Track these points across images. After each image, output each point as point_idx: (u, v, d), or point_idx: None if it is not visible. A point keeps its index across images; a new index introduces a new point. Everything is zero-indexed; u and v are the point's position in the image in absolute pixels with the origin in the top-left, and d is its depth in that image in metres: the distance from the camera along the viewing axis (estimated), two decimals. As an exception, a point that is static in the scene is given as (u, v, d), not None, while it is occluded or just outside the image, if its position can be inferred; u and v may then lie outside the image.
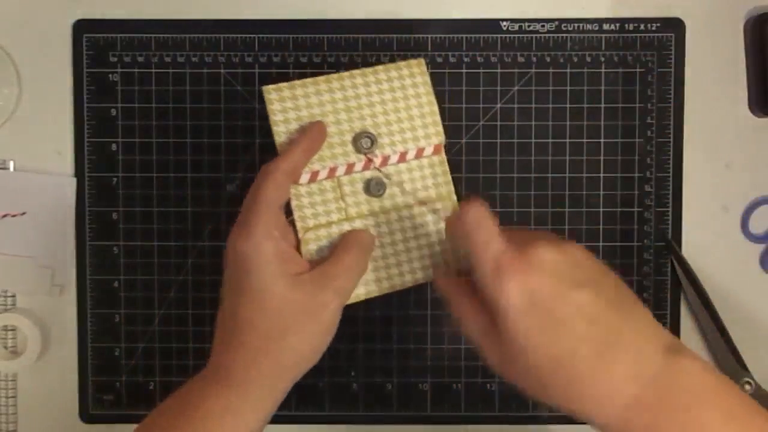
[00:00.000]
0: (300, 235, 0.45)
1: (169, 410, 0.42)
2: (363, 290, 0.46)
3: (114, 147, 0.55)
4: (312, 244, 0.45)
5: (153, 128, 0.55)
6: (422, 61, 0.47)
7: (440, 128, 0.47)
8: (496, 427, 0.55)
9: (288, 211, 0.45)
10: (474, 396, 0.55)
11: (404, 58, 0.54)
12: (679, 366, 0.36)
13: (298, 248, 0.45)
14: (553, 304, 0.36)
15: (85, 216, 0.55)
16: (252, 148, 0.55)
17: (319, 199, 0.46)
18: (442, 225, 0.47)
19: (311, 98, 0.45)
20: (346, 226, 0.46)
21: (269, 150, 0.54)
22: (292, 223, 0.45)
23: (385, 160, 0.46)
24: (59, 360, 0.55)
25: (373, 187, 0.46)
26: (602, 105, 0.55)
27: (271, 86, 0.45)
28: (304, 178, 0.45)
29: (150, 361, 0.55)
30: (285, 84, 0.45)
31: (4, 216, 0.55)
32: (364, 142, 0.45)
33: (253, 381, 0.41)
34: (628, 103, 0.55)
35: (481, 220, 0.39)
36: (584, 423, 0.37)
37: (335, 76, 0.45)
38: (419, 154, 0.47)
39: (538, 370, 0.37)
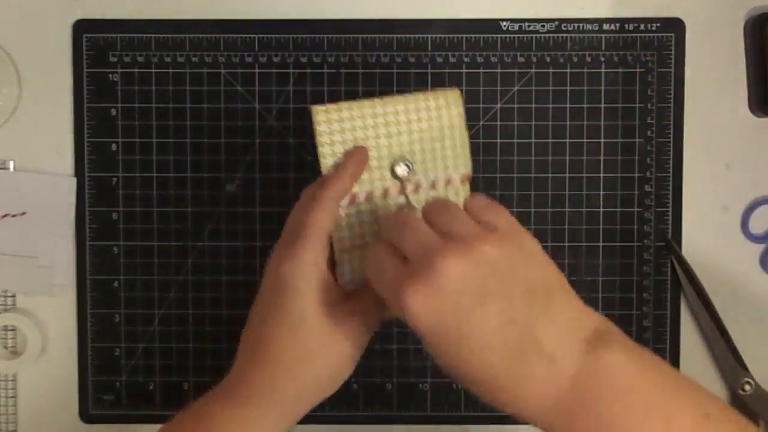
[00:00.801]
0: (337, 255, 0.45)
1: (185, 424, 0.43)
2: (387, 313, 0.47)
3: (114, 147, 0.55)
4: (346, 265, 0.45)
5: (153, 128, 0.55)
6: (458, 93, 0.47)
7: (468, 159, 0.47)
8: (495, 427, 0.55)
9: None
10: (474, 396, 0.55)
11: (404, 58, 0.54)
12: (599, 362, 0.35)
13: (332, 268, 0.45)
14: (458, 323, 0.35)
15: (85, 216, 0.55)
16: (252, 148, 0.55)
17: (356, 221, 0.46)
18: None
19: (356, 121, 0.45)
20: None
21: (269, 150, 0.55)
22: (330, 246, 0.46)
23: (417, 187, 0.46)
24: (59, 360, 0.55)
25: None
26: (602, 105, 0.55)
27: (320, 107, 0.45)
28: (345, 201, 0.45)
29: (150, 361, 0.55)
30: (333, 106, 0.45)
31: (4, 216, 0.55)
32: (400, 168, 0.46)
33: (276, 401, 0.41)
34: (628, 103, 0.55)
35: (379, 252, 0.39)
36: None
37: (380, 100, 0.46)
38: (448, 182, 0.47)
39: (464, 379, 0.37)
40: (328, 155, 0.45)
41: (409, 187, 0.46)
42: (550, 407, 0.35)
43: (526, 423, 0.36)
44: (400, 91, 0.48)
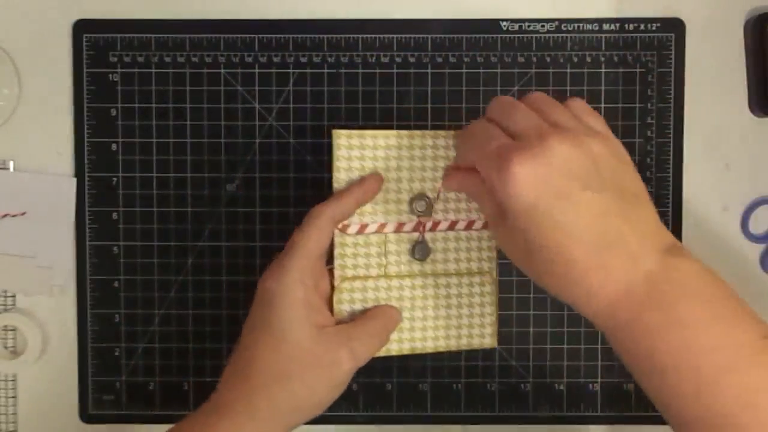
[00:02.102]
0: (336, 283, 0.45)
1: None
2: (383, 348, 0.47)
3: (114, 147, 0.55)
4: (345, 294, 0.45)
5: (153, 128, 0.55)
6: None
7: None
8: (496, 427, 0.55)
9: (329, 257, 0.45)
10: (474, 396, 0.55)
11: (404, 58, 0.54)
12: (673, 266, 0.37)
13: (330, 296, 0.45)
14: (557, 203, 0.36)
15: (85, 216, 0.55)
16: (252, 148, 0.55)
17: (362, 251, 0.46)
18: (476, 299, 0.48)
19: (378, 151, 0.45)
20: (383, 283, 0.46)
21: (269, 150, 0.55)
22: (331, 271, 0.46)
23: (436, 225, 0.46)
24: (59, 360, 0.55)
25: (418, 251, 0.46)
26: (602, 105, 0.55)
27: (342, 131, 0.45)
28: (353, 228, 0.45)
29: (150, 361, 0.55)
30: (356, 132, 0.45)
31: (4, 216, 0.55)
32: (419, 204, 0.45)
33: (250, 417, 0.41)
34: (628, 103, 0.55)
35: (487, 128, 0.39)
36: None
37: (406, 133, 0.45)
38: (469, 225, 0.47)
39: (538, 259, 0.38)
40: (342, 180, 0.45)
41: (428, 225, 0.46)
42: (620, 299, 0.36)
43: (587, 319, 0.38)
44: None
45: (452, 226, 0.46)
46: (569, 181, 0.36)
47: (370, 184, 0.44)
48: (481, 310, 0.48)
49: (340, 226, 0.45)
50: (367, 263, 0.46)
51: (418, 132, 0.45)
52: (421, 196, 0.46)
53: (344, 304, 0.45)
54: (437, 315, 0.47)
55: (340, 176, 0.45)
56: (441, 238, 0.47)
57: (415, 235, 0.46)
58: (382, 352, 0.46)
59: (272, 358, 0.41)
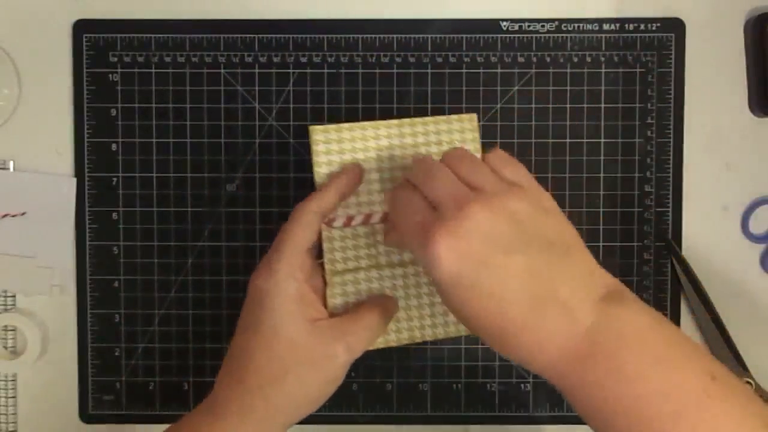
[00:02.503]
0: (327, 277, 0.45)
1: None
2: (381, 339, 0.46)
3: (114, 147, 0.55)
4: (338, 288, 0.45)
5: (153, 128, 0.55)
6: (474, 116, 0.46)
7: None
8: (496, 427, 0.55)
9: (319, 252, 0.45)
10: (474, 396, 0.55)
11: (404, 58, 0.54)
12: (613, 315, 0.36)
13: (323, 290, 0.45)
14: (482, 272, 0.36)
15: (85, 216, 0.55)
16: (252, 148, 0.55)
17: (351, 244, 0.45)
18: None
19: (357, 143, 0.45)
20: (374, 274, 0.46)
21: (269, 150, 0.55)
22: (322, 265, 0.45)
23: None
24: (59, 360, 0.55)
25: None
26: (602, 105, 0.55)
27: (318, 127, 0.44)
28: (339, 222, 0.45)
29: (150, 361, 0.55)
30: (333, 126, 0.44)
31: (4, 216, 0.55)
32: None
33: (245, 418, 0.41)
34: (628, 103, 0.55)
35: (410, 199, 0.39)
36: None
37: (384, 123, 0.45)
38: None
39: (473, 327, 0.37)
40: (323, 174, 0.45)
41: None
42: (562, 355, 0.36)
43: (535, 373, 0.38)
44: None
45: None
46: (491, 248, 0.36)
47: (351, 174, 0.44)
48: None
49: (325, 220, 0.45)
50: (356, 255, 0.45)
51: (394, 121, 0.45)
52: None
53: (337, 298, 0.45)
54: (433, 302, 0.47)
55: (321, 171, 0.45)
56: None
57: None
58: (380, 344, 0.46)
59: (266, 357, 0.41)
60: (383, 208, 0.45)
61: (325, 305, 0.45)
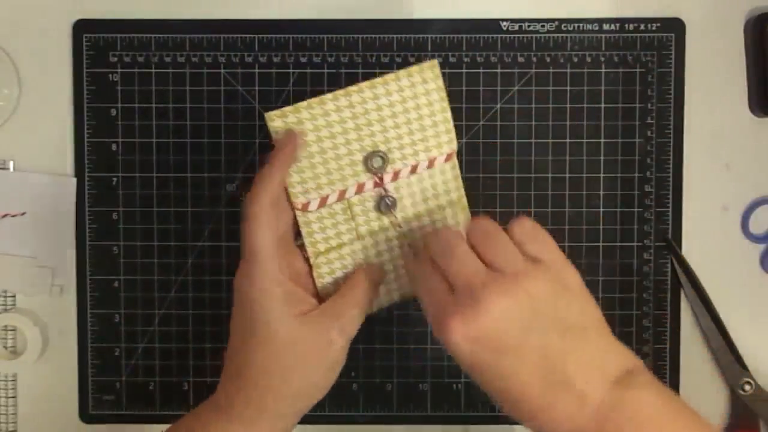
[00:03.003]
0: (312, 260, 0.45)
1: None
2: (385, 298, 0.47)
3: (114, 147, 0.55)
4: (324, 268, 0.45)
5: (153, 128, 0.55)
6: (435, 62, 0.44)
7: (453, 135, 0.45)
8: (496, 427, 0.55)
9: (297, 234, 0.45)
10: (473, 396, 0.55)
11: (404, 58, 0.54)
12: (626, 398, 0.37)
13: (308, 271, 0.45)
14: (496, 356, 0.37)
15: (85, 216, 0.55)
16: (252, 148, 0.55)
17: (329, 222, 0.45)
18: (456, 225, 0.47)
19: (318, 120, 0.42)
20: (358, 246, 0.46)
21: (269, 150, 0.55)
22: (302, 246, 0.45)
23: (396, 174, 0.45)
24: (59, 360, 0.55)
25: (384, 205, 0.45)
26: (602, 105, 0.55)
27: (274, 112, 0.42)
28: (314, 204, 0.44)
29: (150, 361, 0.55)
30: (289, 108, 0.42)
31: (4, 216, 0.55)
32: (375, 161, 0.44)
33: (257, 417, 0.42)
34: (628, 103, 0.55)
35: (429, 276, 0.40)
36: None
37: (342, 92, 0.43)
38: (431, 164, 0.45)
39: (496, 398, 0.39)
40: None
41: (387, 178, 0.44)
42: None
43: None
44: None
45: (414, 170, 0.45)
46: (506, 333, 0.37)
47: (284, 152, 0.42)
48: None
49: (299, 206, 0.44)
50: (337, 232, 0.45)
51: (354, 87, 0.43)
52: (374, 152, 0.44)
53: (326, 278, 0.45)
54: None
55: None
56: (405, 185, 0.45)
57: (378, 190, 0.45)
58: (374, 306, 0.46)
59: (267, 359, 0.41)
60: (356, 180, 0.44)
61: (313, 290, 0.45)
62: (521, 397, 0.37)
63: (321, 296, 0.46)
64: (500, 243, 0.39)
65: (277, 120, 0.42)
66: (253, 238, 0.41)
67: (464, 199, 0.47)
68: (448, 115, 0.45)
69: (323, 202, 0.44)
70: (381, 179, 0.44)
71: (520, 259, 0.39)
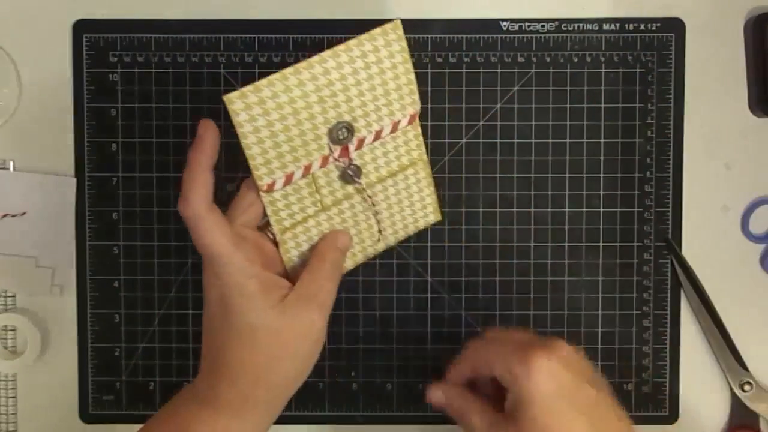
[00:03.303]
0: (278, 237, 0.44)
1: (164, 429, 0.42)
2: (350, 263, 0.47)
3: (114, 147, 0.55)
4: (290, 243, 0.44)
5: (153, 128, 0.55)
6: (398, 23, 0.42)
7: (416, 96, 0.44)
8: (496, 427, 0.55)
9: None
10: (474, 396, 0.55)
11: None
12: None
13: (278, 251, 0.45)
14: (574, 394, 0.40)
15: (85, 216, 0.55)
16: (252, 148, 0.54)
17: (294, 198, 0.44)
18: (414, 188, 0.48)
19: (280, 97, 0.40)
20: (323, 217, 0.45)
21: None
22: (265, 226, 0.45)
23: (361, 142, 0.44)
24: (59, 360, 0.55)
25: (348, 176, 0.45)
26: (602, 105, 0.55)
27: (233, 94, 0.39)
28: (279, 183, 0.42)
29: (150, 361, 0.55)
30: (249, 88, 0.39)
31: (4, 216, 0.55)
32: (340, 133, 0.42)
33: (250, 408, 0.42)
34: (628, 103, 0.55)
35: (500, 336, 0.45)
36: None
37: (304, 64, 0.40)
38: (394, 128, 0.44)
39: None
40: (253, 145, 0.40)
41: (352, 147, 0.43)
42: None
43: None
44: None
45: (378, 136, 0.44)
46: (576, 375, 0.41)
47: (204, 140, 0.41)
48: (420, 195, 0.48)
49: (264, 187, 0.42)
50: (302, 207, 0.44)
51: (315, 58, 0.41)
52: (339, 124, 0.42)
53: (292, 252, 0.44)
54: (381, 218, 0.47)
55: (250, 142, 0.40)
56: (368, 151, 0.44)
57: (343, 160, 0.43)
58: (349, 266, 0.47)
59: (252, 353, 0.41)
60: (321, 153, 0.42)
61: (283, 267, 0.45)
62: None
63: (289, 272, 0.45)
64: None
65: (237, 102, 0.39)
66: (206, 242, 0.40)
67: (425, 156, 0.47)
68: (412, 76, 0.43)
69: (289, 179, 0.42)
70: (346, 149, 0.43)
71: None
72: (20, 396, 0.56)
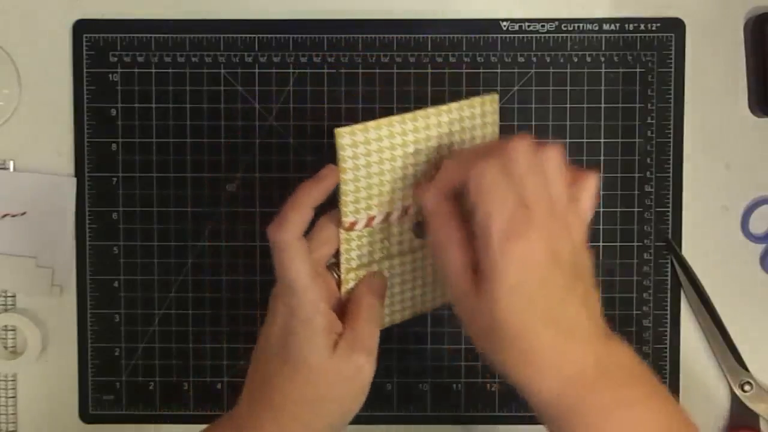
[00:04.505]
0: (343, 275, 0.44)
1: None
2: (398, 316, 0.47)
3: (114, 147, 0.55)
4: (351, 284, 0.45)
5: (153, 128, 0.55)
6: (496, 97, 0.45)
7: None
8: (496, 427, 0.55)
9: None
10: (474, 396, 0.55)
11: (404, 58, 0.54)
12: (616, 349, 0.38)
13: (338, 286, 0.44)
14: (537, 288, 0.37)
15: (85, 216, 0.55)
16: (252, 148, 0.55)
17: (366, 241, 0.44)
18: None
19: (383, 142, 0.42)
20: (386, 264, 0.45)
21: (269, 150, 0.55)
22: (332, 266, 0.45)
23: None
24: (59, 360, 0.55)
25: (421, 230, 0.45)
26: (602, 105, 0.55)
27: (344, 129, 0.41)
28: (360, 225, 0.43)
29: (150, 361, 0.55)
30: (359, 126, 0.41)
31: (4, 216, 0.55)
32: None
33: None
34: (628, 103, 0.55)
35: (503, 183, 0.37)
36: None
37: (410, 115, 0.42)
38: None
39: (498, 336, 0.37)
40: (350, 182, 0.42)
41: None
42: (572, 381, 0.37)
43: (532, 401, 0.39)
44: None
45: None
46: (552, 267, 0.37)
47: (326, 178, 0.41)
48: None
49: (347, 225, 0.43)
50: (371, 251, 0.45)
51: (421, 112, 0.42)
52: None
53: (350, 285, 0.45)
54: (437, 278, 0.47)
55: (347, 177, 0.42)
56: None
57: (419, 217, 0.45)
58: (386, 323, 0.47)
59: (300, 386, 0.41)
60: (404, 203, 0.44)
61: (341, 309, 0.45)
62: (539, 335, 0.37)
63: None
64: (556, 179, 0.40)
65: (346, 137, 0.41)
66: (290, 270, 0.40)
67: None
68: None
69: (369, 222, 0.43)
70: None
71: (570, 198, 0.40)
72: (20, 396, 0.56)
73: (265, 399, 0.42)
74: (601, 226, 0.55)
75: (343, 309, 0.44)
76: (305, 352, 0.41)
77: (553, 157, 0.39)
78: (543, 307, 0.37)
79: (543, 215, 0.37)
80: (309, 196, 0.41)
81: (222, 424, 0.43)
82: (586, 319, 0.38)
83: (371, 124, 0.41)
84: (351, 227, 0.43)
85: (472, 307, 0.38)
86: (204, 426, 0.43)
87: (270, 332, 0.42)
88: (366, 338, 0.42)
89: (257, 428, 0.41)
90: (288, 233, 0.40)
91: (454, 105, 0.43)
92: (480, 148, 0.42)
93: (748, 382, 0.54)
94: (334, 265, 0.45)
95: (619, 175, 0.55)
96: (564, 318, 0.37)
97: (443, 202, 0.40)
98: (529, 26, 0.54)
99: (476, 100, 0.44)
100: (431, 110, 0.43)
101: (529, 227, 0.36)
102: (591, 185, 0.41)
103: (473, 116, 0.44)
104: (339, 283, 0.45)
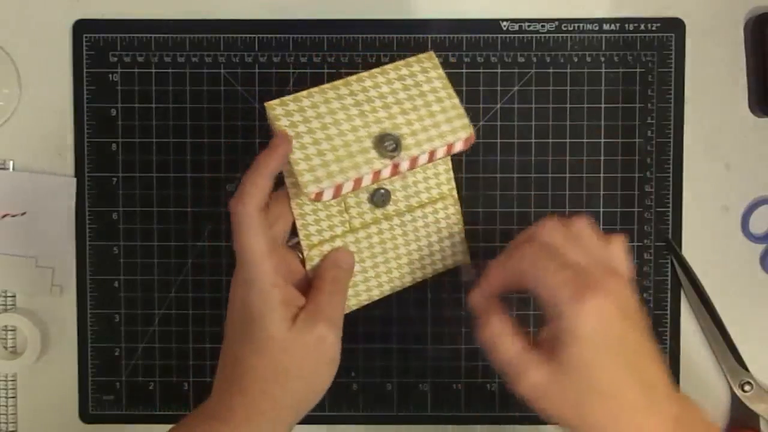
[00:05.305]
0: (305, 252, 0.44)
1: None
2: (376, 292, 0.47)
3: (114, 147, 0.55)
4: (316, 260, 0.45)
5: (153, 128, 0.55)
6: (432, 54, 0.45)
7: (466, 121, 0.44)
8: (496, 427, 0.55)
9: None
10: (474, 396, 0.55)
11: (404, 58, 0.54)
12: (690, 406, 0.40)
13: (303, 264, 0.45)
14: (622, 341, 0.38)
15: (85, 216, 0.55)
16: (252, 148, 0.55)
17: (323, 215, 0.44)
18: (443, 224, 0.47)
19: (320, 108, 0.42)
20: (350, 239, 0.45)
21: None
22: (294, 245, 0.45)
23: (414, 161, 0.43)
24: (59, 360, 0.55)
25: (378, 198, 0.45)
26: (602, 105, 0.55)
27: (274, 102, 0.42)
28: (328, 194, 0.42)
29: (150, 361, 0.55)
30: (289, 97, 0.42)
31: (4, 216, 0.55)
32: (388, 144, 0.42)
33: (255, 423, 0.41)
34: (628, 103, 0.55)
35: (551, 252, 0.40)
36: None
37: (341, 81, 0.43)
38: (449, 150, 0.44)
39: (589, 400, 0.38)
40: (296, 150, 0.41)
41: (405, 165, 0.43)
42: None
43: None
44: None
45: (432, 157, 0.44)
46: (625, 321, 0.38)
47: (278, 146, 0.41)
48: (449, 232, 0.48)
49: (312, 195, 0.42)
50: (330, 224, 0.45)
51: (353, 77, 0.42)
52: (384, 136, 0.42)
53: (315, 262, 0.45)
54: (409, 250, 0.47)
55: (293, 146, 0.41)
56: (399, 177, 0.45)
57: (373, 185, 0.44)
58: (364, 300, 0.47)
59: (264, 363, 0.41)
60: (371, 168, 0.43)
61: (305, 285, 0.45)
62: (628, 392, 0.38)
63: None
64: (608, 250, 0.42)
65: (277, 108, 0.41)
66: (246, 242, 0.41)
67: (455, 193, 0.48)
68: (456, 101, 0.45)
69: (338, 191, 0.42)
70: (397, 167, 0.43)
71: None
72: (20, 396, 0.56)
73: (235, 384, 0.42)
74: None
75: (310, 286, 0.44)
76: (266, 323, 0.41)
77: (584, 226, 0.42)
78: (626, 361, 0.38)
79: (599, 275, 0.39)
80: (265, 167, 0.41)
81: (194, 417, 0.43)
82: (662, 373, 0.39)
83: (302, 93, 0.42)
84: (318, 198, 0.42)
85: (550, 382, 0.38)
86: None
87: (232, 314, 0.43)
88: (327, 308, 0.42)
89: (228, 414, 0.42)
90: (247, 205, 0.40)
91: (388, 66, 0.43)
92: (513, 243, 0.43)
93: (748, 382, 0.54)
94: (298, 244, 0.45)
95: (619, 175, 0.55)
96: (645, 372, 0.39)
97: (490, 299, 0.42)
98: (529, 26, 0.54)
99: (411, 60, 0.44)
100: (364, 74, 0.43)
101: (594, 285, 0.38)
102: (621, 246, 0.42)
103: (413, 74, 0.44)
104: (303, 262, 0.44)
